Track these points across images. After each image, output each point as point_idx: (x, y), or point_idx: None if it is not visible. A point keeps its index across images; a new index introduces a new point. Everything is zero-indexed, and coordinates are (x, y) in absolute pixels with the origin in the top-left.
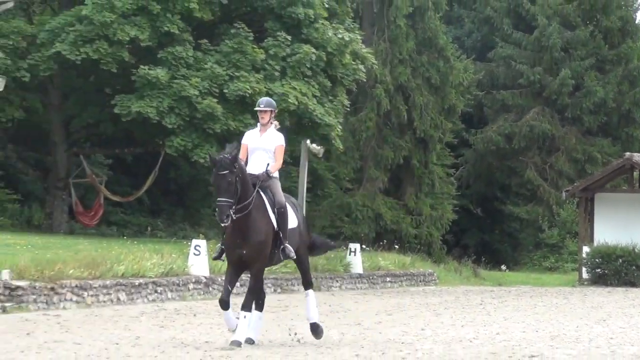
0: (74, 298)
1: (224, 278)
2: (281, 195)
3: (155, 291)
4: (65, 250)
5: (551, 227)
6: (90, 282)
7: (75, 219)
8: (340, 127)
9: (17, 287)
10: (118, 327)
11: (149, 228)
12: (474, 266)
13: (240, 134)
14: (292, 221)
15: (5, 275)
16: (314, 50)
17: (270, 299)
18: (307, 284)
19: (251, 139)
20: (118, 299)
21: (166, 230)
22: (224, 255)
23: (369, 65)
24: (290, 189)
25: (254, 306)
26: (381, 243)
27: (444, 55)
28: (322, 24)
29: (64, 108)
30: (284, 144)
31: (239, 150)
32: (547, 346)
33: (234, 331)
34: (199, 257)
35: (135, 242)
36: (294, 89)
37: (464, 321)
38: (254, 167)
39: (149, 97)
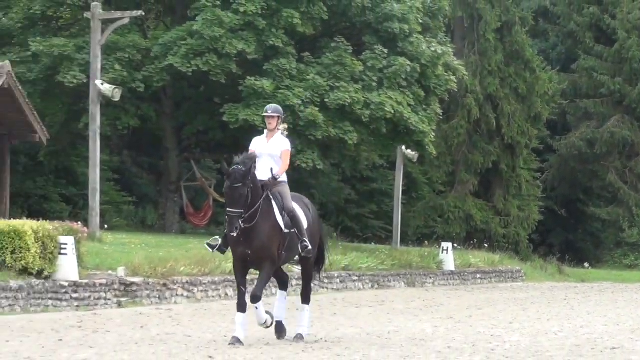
0: (185, 293)
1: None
2: (290, 201)
3: None
4: (176, 249)
5: (631, 227)
6: (200, 278)
7: (186, 219)
8: (433, 134)
9: (132, 283)
10: (226, 320)
11: None
12: (559, 264)
13: (340, 141)
14: (303, 221)
15: (121, 272)
16: (408, 62)
17: (367, 294)
18: (305, 298)
19: (258, 145)
20: (226, 294)
21: None
22: (220, 248)
23: (460, 76)
24: (387, 192)
25: (278, 287)
26: (472, 242)
27: (530, 66)
28: (417, 38)
29: (176, 116)
30: (290, 149)
31: (254, 162)
32: (628, 339)
33: (264, 324)
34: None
35: None
36: (390, 98)
37: (550, 315)
38: (260, 172)
39: (255, 106)
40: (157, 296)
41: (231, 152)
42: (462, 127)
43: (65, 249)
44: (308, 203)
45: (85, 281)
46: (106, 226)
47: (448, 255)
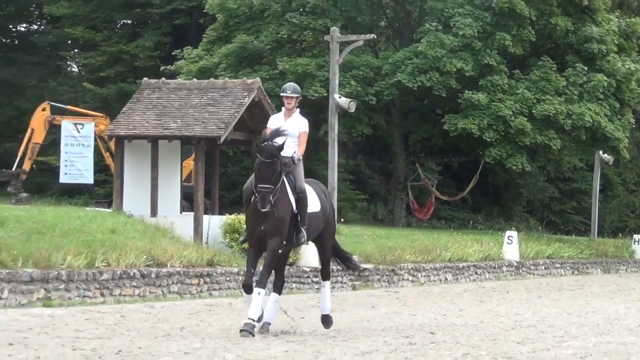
0: (410, 278)
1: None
2: (302, 181)
3: (476, 273)
4: (403, 239)
5: None
6: (423, 265)
7: (411, 214)
8: (627, 140)
9: (365, 269)
10: (445, 301)
11: (470, 222)
12: None
13: (546, 147)
14: (314, 205)
15: (355, 259)
16: (605, 78)
17: (568, 279)
18: (325, 275)
19: (276, 123)
20: (445, 279)
21: (484, 224)
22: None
23: None
24: (586, 190)
25: (272, 287)
26: None
27: None
28: (613, 57)
29: (403, 125)
30: (307, 130)
31: (284, 139)
32: None
33: (253, 318)
34: (511, 246)
35: (459, 233)
36: (589, 109)
37: None
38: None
39: (472, 117)
40: (386, 280)
41: (450, 156)
42: None
43: None
44: (324, 189)
45: None
46: (342, 220)
47: (639, 246)
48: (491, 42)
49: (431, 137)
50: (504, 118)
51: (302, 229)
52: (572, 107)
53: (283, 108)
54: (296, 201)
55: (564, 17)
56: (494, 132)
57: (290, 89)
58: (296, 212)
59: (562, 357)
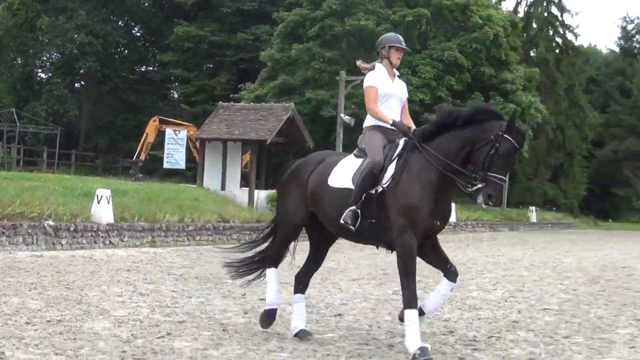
0: None
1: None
2: None
3: None
4: None
5: None
6: None
7: None
8: (526, 145)
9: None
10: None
11: None
12: (596, 220)
13: None
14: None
15: None
16: (514, 106)
17: (486, 235)
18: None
19: (382, 82)
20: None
21: None
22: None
23: None
24: None
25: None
26: None
27: None
28: (519, 93)
29: None
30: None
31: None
32: (633, 262)
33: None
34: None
35: None
36: None
37: (588, 248)
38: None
39: None
40: None
41: None
42: None
43: None
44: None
45: None
46: None
47: (533, 214)
48: (442, 82)
49: None
50: None
51: None
52: None
53: (378, 64)
54: None
55: (489, 67)
56: None
57: (402, 41)
58: None
59: (482, 284)
